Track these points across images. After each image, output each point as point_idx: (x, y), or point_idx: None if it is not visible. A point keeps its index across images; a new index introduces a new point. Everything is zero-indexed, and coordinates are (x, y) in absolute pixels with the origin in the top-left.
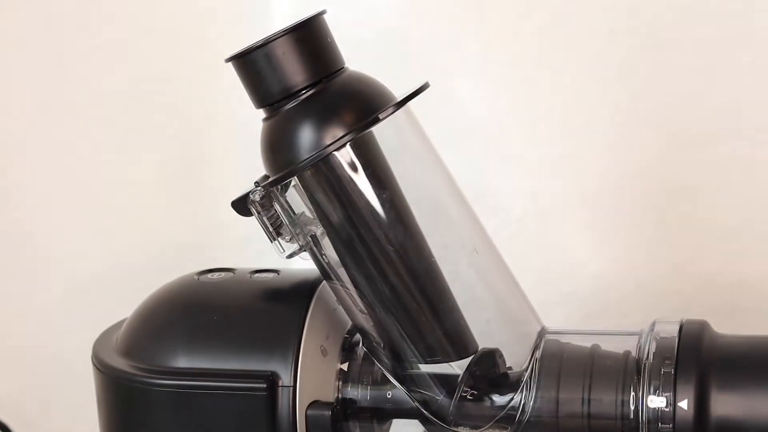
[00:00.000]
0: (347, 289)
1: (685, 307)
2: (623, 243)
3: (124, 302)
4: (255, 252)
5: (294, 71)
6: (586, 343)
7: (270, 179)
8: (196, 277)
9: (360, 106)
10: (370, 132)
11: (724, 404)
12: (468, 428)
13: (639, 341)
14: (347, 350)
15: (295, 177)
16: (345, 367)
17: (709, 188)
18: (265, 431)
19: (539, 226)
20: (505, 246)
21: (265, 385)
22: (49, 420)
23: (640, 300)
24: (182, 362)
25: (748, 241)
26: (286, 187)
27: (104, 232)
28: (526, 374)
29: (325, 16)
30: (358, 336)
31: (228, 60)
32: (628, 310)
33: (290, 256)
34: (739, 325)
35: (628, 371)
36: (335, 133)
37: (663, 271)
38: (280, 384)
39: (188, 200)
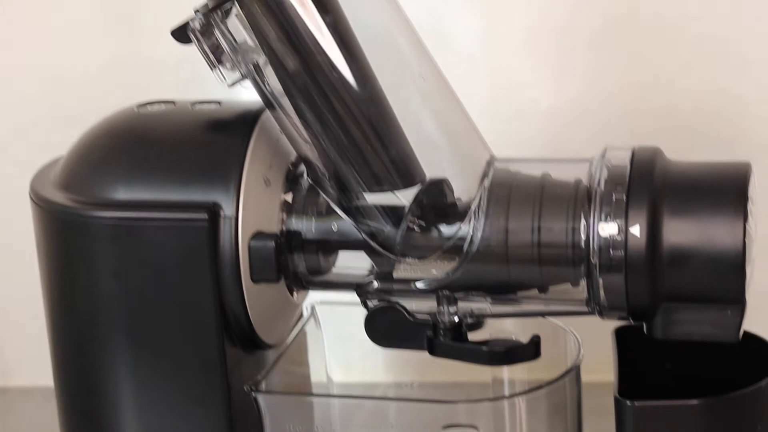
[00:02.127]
0: (290, 118)
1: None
2: (577, 80)
3: (65, 148)
4: (201, 93)
5: None
6: (536, 171)
7: (209, 5)
8: (135, 109)
9: None
10: None
11: (677, 231)
12: (415, 258)
13: (590, 169)
14: (291, 181)
15: (236, 3)
16: (289, 198)
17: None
18: (207, 263)
19: (491, 64)
20: (456, 84)
21: (206, 216)
22: None
23: (593, 137)
24: (122, 194)
25: (701, 76)
26: (226, 14)
27: (44, 76)
28: (475, 203)
29: None
30: (302, 167)
31: None
32: (580, 147)
33: (232, 84)
34: (693, 156)
35: (579, 198)
36: None
37: (617, 109)
38: (222, 214)
39: (131, 40)
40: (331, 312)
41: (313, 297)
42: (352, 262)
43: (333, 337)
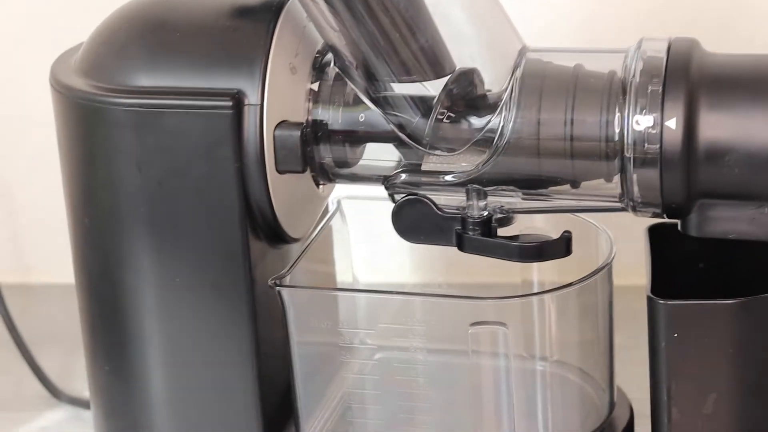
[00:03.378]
0: (317, 4)
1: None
2: None
3: (87, 34)
4: None
5: None
6: (569, 62)
7: None
8: None
9: None
10: None
11: (714, 125)
12: (444, 151)
13: (625, 60)
14: (318, 69)
15: None
16: (315, 87)
17: None
18: (231, 152)
19: None
20: None
21: (230, 103)
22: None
23: (627, 30)
24: (144, 80)
25: None
26: None
27: None
28: (506, 94)
29: None
30: (329, 55)
31: None
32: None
33: None
34: (732, 49)
35: (614, 90)
36: None
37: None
38: (247, 102)
39: None
40: (357, 207)
41: (340, 192)
42: (380, 155)
43: (359, 235)
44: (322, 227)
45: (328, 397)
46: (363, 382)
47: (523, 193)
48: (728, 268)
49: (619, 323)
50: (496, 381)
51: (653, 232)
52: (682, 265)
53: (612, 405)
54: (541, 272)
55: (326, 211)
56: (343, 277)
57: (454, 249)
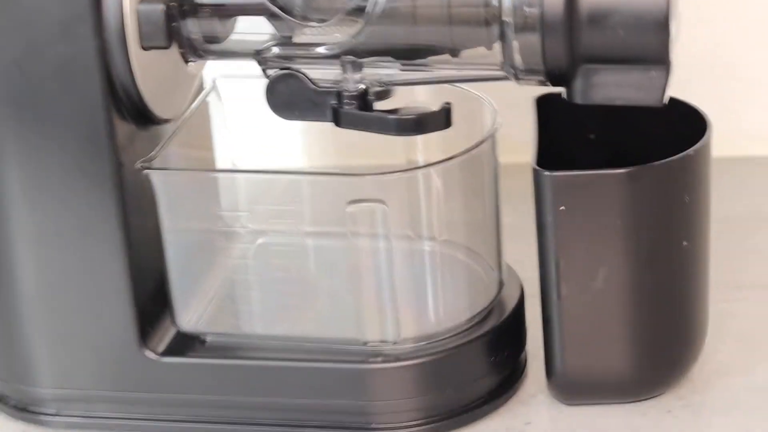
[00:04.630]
0: None
1: None
2: None
3: None
4: None
5: None
6: None
7: None
8: None
9: None
10: None
11: None
12: (317, 22)
13: None
14: None
15: None
16: None
17: None
18: (91, 29)
19: None
20: None
21: None
22: None
23: None
24: None
25: None
26: None
27: None
28: None
29: None
30: None
31: None
32: None
33: None
34: None
35: None
36: None
37: None
38: None
39: None
40: (235, 87)
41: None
42: (251, 28)
43: (238, 118)
44: (194, 107)
45: (205, 287)
46: (243, 268)
47: (401, 64)
48: (621, 139)
49: (510, 202)
50: (376, 262)
51: (541, 102)
52: (573, 138)
53: (501, 284)
54: (426, 151)
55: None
56: (223, 161)
57: (339, 130)
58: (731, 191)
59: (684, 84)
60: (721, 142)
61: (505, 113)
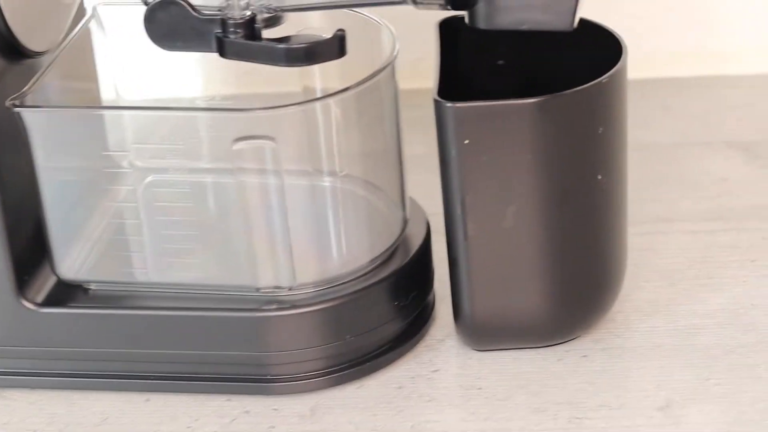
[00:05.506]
0: None
1: None
2: None
3: None
4: None
5: None
6: None
7: None
8: None
9: None
10: None
11: None
12: None
13: None
14: None
15: None
16: None
17: None
18: None
19: None
20: None
21: None
22: None
23: None
24: None
25: None
26: None
27: None
28: None
29: None
30: None
31: None
32: None
33: None
34: None
35: None
36: None
37: None
38: None
39: None
40: (119, 15)
41: None
42: None
43: (124, 48)
44: (71, 37)
45: (88, 231)
46: (128, 211)
47: None
48: (533, 66)
49: (415, 133)
50: (266, 202)
51: (444, 27)
52: (481, 64)
53: (405, 221)
54: (324, 79)
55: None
56: (108, 94)
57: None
58: (653, 115)
59: (600, 4)
60: (643, 62)
61: (415, 37)
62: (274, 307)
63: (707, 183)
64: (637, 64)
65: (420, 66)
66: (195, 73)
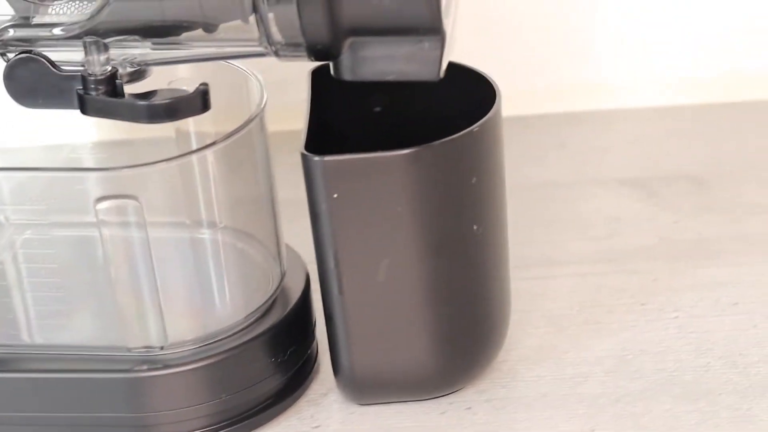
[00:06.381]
0: None
1: None
2: None
3: None
4: None
5: None
6: None
7: None
8: None
9: None
10: None
11: None
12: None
13: None
14: None
15: None
16: None
17: None
18: None
19: None
20: None
21: None
22: None
23: None
24: None
25: None
26: None
27: None
28: None
29: None
30: None
31: None
32: None
33: None
34: None
35: None
36: None
37: None
38: None
39: None
40: None
41: None
42: None
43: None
44: None
45: None
46: (2, 270)
47: (152, 43)
48: (411, 112)
49: (296, 175)
50: (130, 259)
51: (317, 75)
52: (356, 112)
53: (283, 273)
54: (197, 122)
55: None
56: None
57: None
58: (549, 152)
59: (471, 48)
60: (540, 97)
61: (292, 78)
62: (145, 367)
63: (599, 223)
64: (530, 100)
65: (299, 108)
66: (71, 120)
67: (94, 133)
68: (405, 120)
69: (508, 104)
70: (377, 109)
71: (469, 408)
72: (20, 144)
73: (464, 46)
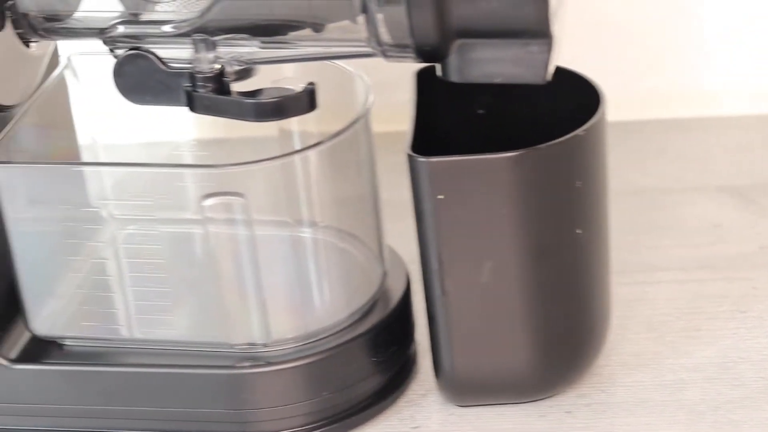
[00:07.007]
0: None
1: None
2: None
3: None
4: None
5: None
6: None
7: None
8: None
9: None
10: None
11: None
12: None
13: None
14: None
15: None
16: None
17: None
18: None
19: None
20: None
21: None
22: None
23: None
24: None
25: None
26: None
27: None
28: None
29: None
30: None
31: None
32: None
33: None
34: None
35: None
36: None
37: None
38: None
39: None
40: (93, 65)
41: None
42: (98, 5)
43: (99, 95)
44: (45, 89)
45: (63, 286)
46: (104, 267)
47: (261, 42)
48: (513, 114)
49: (395, 176)
50: (236, 257)
51: (422, 76)
52: (460, 113)
53: (384, 274)
54: (301, 121)
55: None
56: (85, 140)
57: None
58: (648, 158)
59: (576, 53)
60: (640, 103)
61: (397, 79)
62: (248, 364)
63: (699, 229)
64: (633, 105)
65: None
66: (172, 117)
67: (194, 131)
68: (507, 122)
69: (611, 109)
70: (480, 111)
71: (569, 412)
72: (121, 141)
73: (568, 49)
